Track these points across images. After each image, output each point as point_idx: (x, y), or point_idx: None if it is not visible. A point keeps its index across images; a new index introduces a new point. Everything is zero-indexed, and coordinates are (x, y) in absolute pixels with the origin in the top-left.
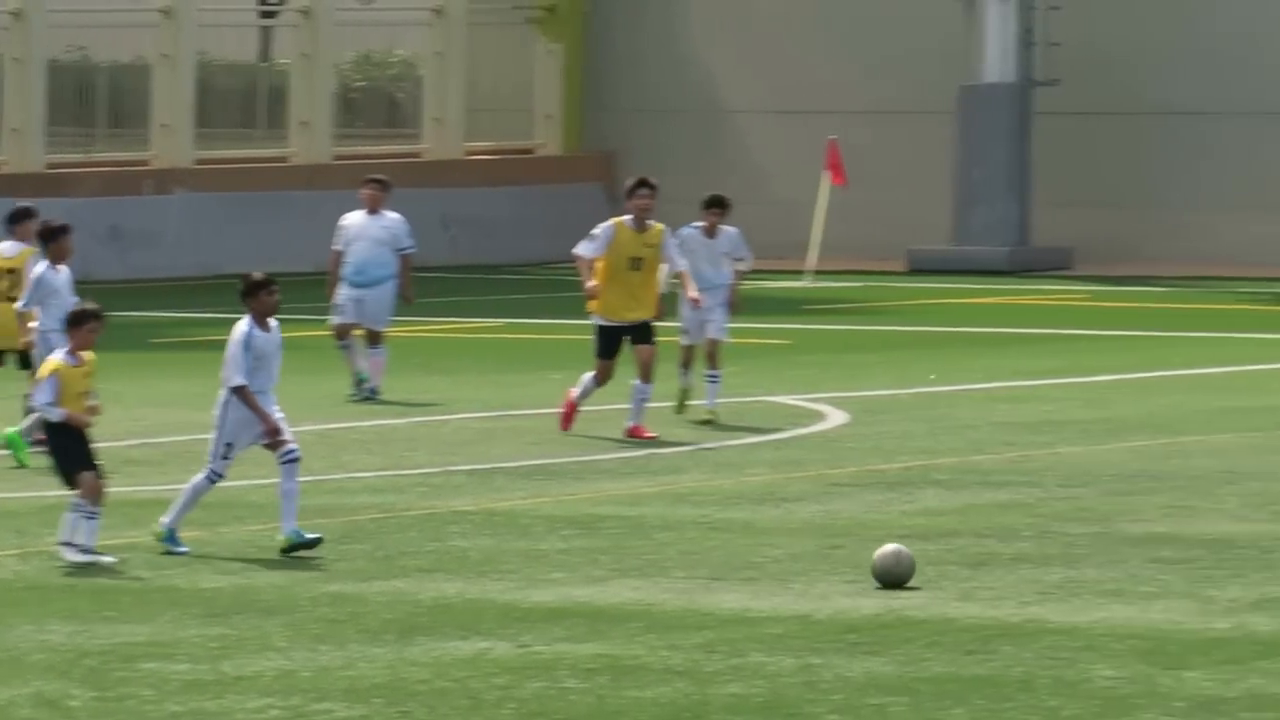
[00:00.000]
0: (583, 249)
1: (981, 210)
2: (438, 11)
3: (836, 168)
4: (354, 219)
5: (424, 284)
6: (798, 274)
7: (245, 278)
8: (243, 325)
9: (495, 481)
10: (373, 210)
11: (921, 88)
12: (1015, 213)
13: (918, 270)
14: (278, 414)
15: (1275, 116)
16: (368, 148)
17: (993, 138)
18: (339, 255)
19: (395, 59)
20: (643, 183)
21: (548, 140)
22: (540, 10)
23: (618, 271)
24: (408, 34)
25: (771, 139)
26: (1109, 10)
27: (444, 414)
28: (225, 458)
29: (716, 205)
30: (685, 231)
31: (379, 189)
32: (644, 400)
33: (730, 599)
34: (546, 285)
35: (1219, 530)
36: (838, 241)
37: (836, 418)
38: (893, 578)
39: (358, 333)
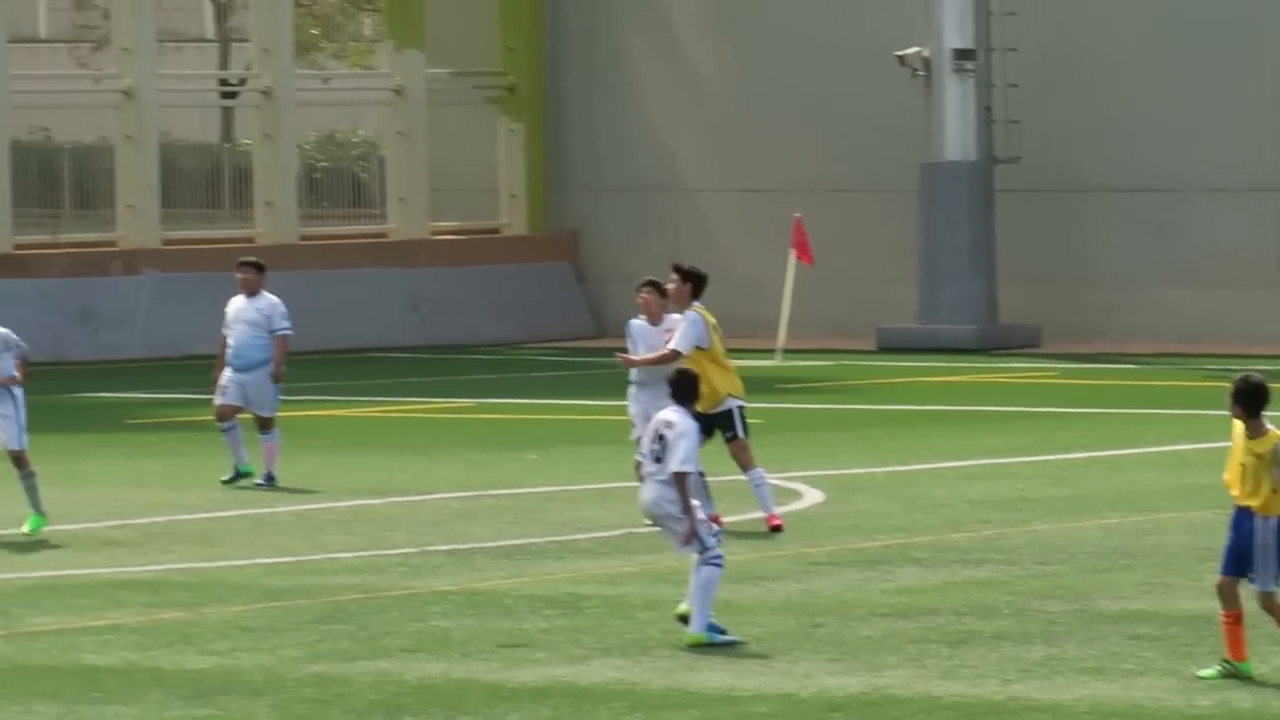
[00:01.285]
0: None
1: (948, 288)
2: (398, 91)
3: (803, 246)
4: (234, 303)
5: (394, 364)
6: (768, 353)
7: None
8: (692, 418)
9: (476, 561)
10: (250, 293)
11: (883, 165)
12: (982, 290)
13: (886, 349)
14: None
15: (1233, 194)
16: (333, 228)
17: (957, 215)
18: (224, 339)
19: (358, 139)
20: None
21: (513, 219)
22: (501, 90)
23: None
24: (369, 113)
25: (733, 217)
26: (1068, 88)
27: (421, 494)
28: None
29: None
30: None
31: (253, 272)
32: (760, 485)
33: (714, 678)
34: (516, 365)
35: (1197, 607)
36: (804, 319)
37: (812, 496)
38: None
39: (243, 416)
